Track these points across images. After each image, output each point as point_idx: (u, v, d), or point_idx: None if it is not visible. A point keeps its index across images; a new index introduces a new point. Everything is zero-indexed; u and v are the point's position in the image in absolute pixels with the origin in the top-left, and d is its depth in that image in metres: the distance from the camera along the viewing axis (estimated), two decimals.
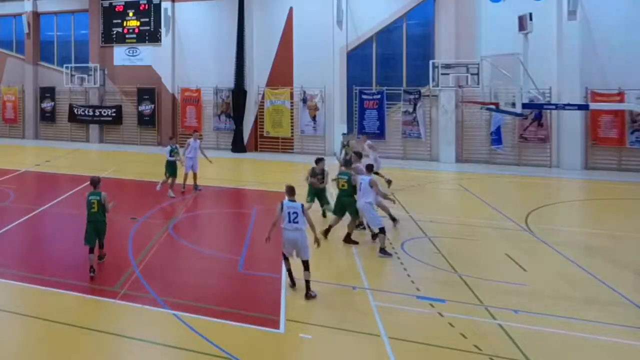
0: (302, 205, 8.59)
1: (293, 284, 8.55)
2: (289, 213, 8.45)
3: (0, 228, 11.89)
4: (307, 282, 8.25)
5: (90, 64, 27.59)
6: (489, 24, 20.82)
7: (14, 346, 6.98)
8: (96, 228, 9.36)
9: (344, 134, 18.91)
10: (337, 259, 10.08)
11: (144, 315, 7.75)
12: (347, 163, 11.82)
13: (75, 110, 28.24)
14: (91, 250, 9.23)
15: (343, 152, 15.91)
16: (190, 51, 26.28)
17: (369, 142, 15.42)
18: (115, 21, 27.83)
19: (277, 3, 24.59)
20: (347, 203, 10.91)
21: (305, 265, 8.31)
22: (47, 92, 29.25)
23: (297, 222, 8.39)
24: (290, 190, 8.72)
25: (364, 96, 22.96)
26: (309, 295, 8.19)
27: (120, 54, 27.86)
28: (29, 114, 29.51)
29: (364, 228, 11.44)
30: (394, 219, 11.77)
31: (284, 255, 8.64)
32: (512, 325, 7.27)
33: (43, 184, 18.37)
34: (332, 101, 23.23)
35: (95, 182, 9.59)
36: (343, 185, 10.92)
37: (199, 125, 25.91)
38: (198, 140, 15.99)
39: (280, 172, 20.00)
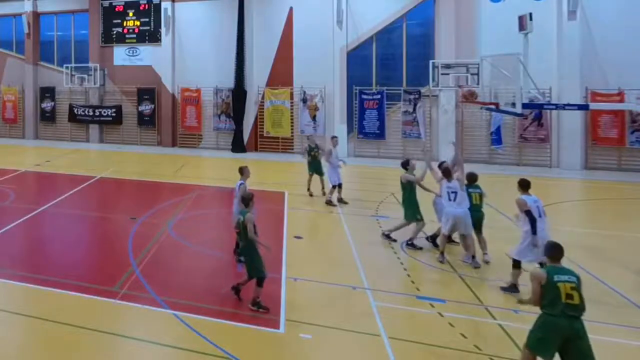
0: (240, 184, 10.20)
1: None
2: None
3: (0, 228, 11.89)
4: None
5: (90, 64, 27.59)
6: (489, 24, 20.84)
7: (14, 346, 6.98)
8: None
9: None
10: (337, 259, 10.08)
11: (144, 315, 7.75)
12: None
13: (75, 110, 28.23)
14: None
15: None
16: (190, 51, 26.28)
17: None
18: (115, 21, 27.84)
19: (277, 3, 24.59)
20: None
21: None
22: (47, 92, 29.24)
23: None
24: (239, 171, 10.59)
25: (364, 96, 22.96)
26: None
27: (120, 54, 27.86)
28: (29, 114, 29.50)
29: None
30: None
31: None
32: (512, 325, 7.27)
33: (43, 184, 18.36)
34: (332, 101, 23.23)
35: None
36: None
37: (198, 126, 25.95)
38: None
39: (280, 172, 20.00)
